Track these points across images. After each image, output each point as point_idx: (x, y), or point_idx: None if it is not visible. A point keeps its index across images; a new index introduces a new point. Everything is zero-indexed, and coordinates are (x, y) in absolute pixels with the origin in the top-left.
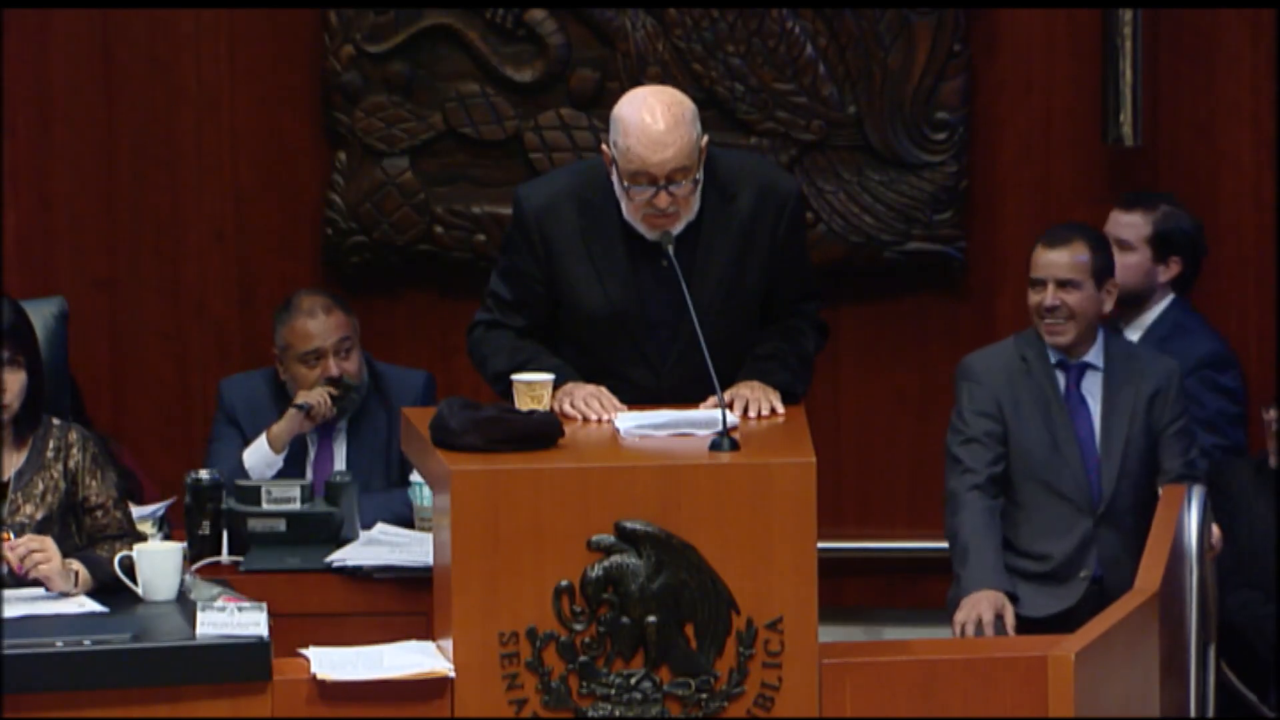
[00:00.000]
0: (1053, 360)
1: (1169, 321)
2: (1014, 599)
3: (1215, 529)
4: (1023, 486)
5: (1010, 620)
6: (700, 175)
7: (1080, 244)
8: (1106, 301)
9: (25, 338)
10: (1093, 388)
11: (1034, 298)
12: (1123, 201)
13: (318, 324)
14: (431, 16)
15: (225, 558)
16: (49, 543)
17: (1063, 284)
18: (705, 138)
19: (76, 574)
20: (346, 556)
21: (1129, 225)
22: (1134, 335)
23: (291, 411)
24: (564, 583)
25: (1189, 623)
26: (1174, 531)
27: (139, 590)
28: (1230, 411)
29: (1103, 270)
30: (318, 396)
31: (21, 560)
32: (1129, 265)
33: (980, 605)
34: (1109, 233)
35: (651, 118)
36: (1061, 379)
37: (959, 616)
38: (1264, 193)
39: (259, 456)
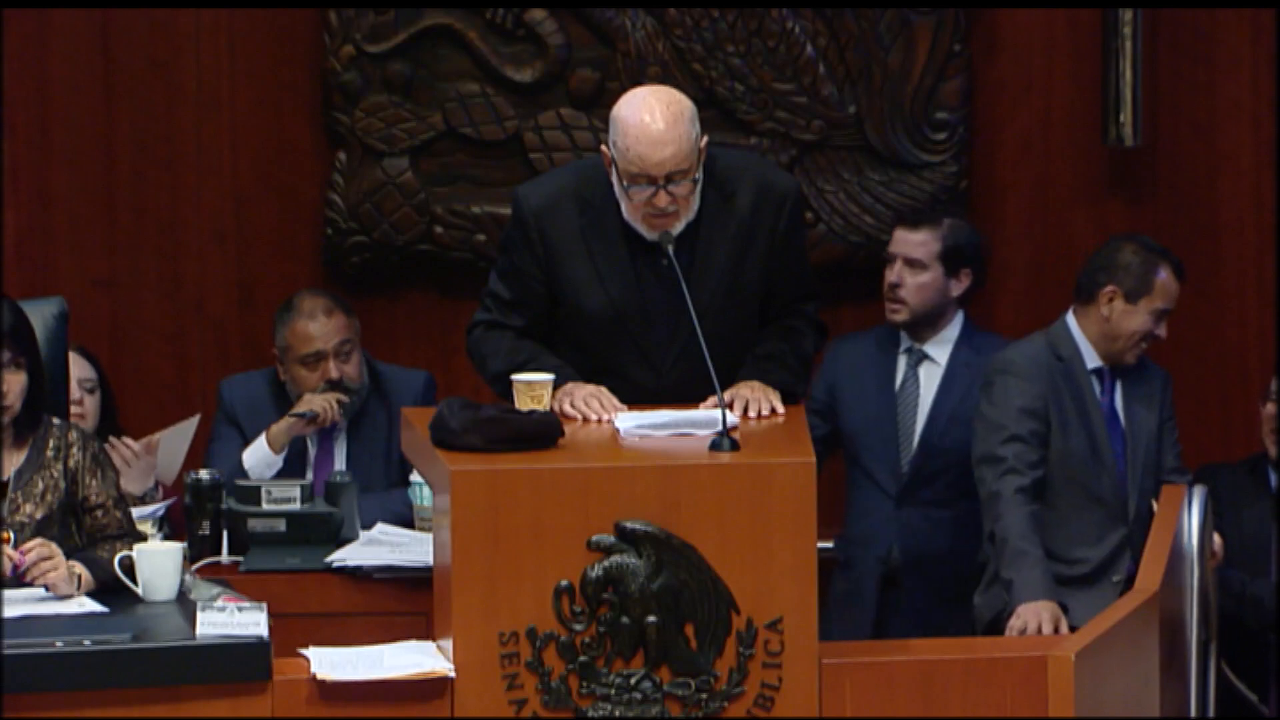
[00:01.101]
0: (1089, 366)
1: (974, 341)
2: (1064, 609)
3: (1217, 538)
4: (1062, 491)
5: (1066, 632)
6: (700, 175)
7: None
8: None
9: (25, 339)
10: (1118, 394)
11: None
12: (907, 220)
13: (318, 326)
14: (431, 16)
15: (225, 558)
16: (56, 550)
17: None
18: (705, 138)
19: (80, 576)
20: (346, 556)
21: (919, 244)
22: (935, 351)
23: (292, 420)
24: (564, 583)
25: (1189, 623)
26: (1174, 531)
27: (139, 590)
28: None
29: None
30: (322, 404)
31: (29, 568)
32: (925, 284)
33: (1041, 616)
34: (898, 253)
35: (650, 117)
36: (1097, 385)
37: (1016, 624)
38: (1264, 193)
39: (258, 457)
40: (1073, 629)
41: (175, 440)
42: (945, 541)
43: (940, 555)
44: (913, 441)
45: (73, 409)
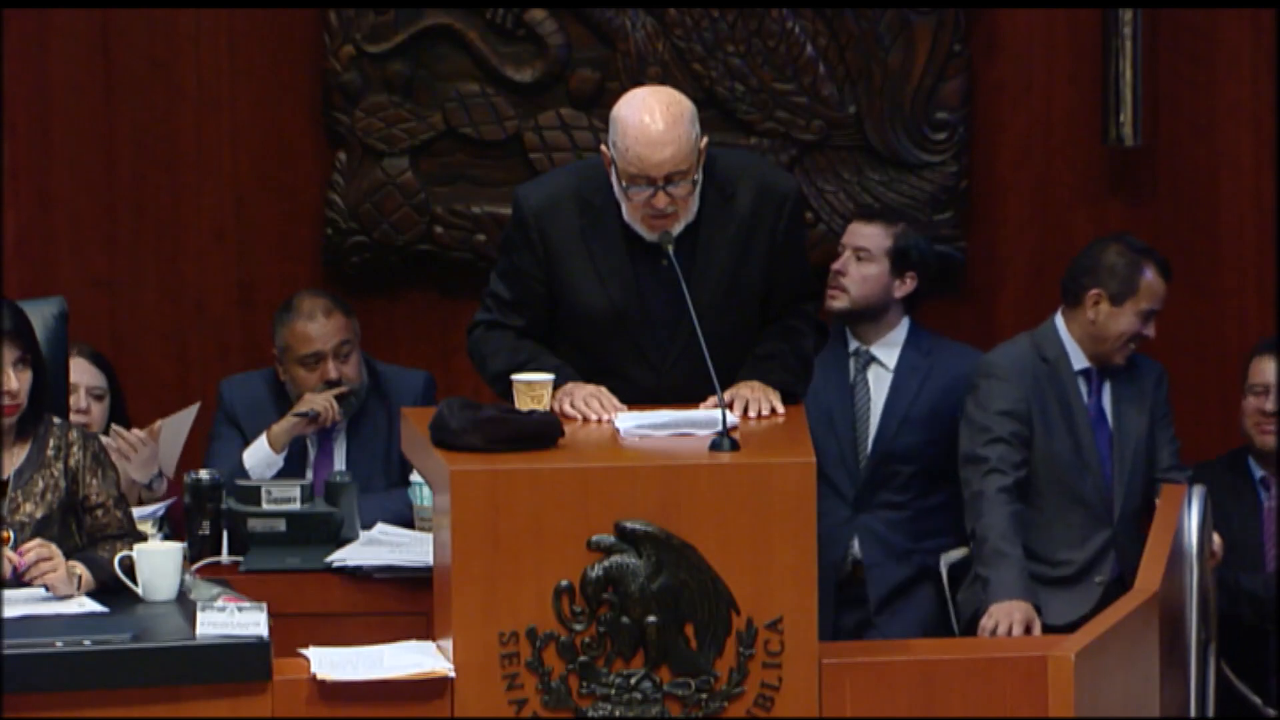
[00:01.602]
0: (1076, 367)
1: (922, 345)
2: (1038, 610)
3: (1217, 537)
4: (1046, 493)
5: (1038, 632)
6: (699, 176)
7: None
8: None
9: (28, 337)
10: (1106, 395)
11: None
12: (862, 214)
13: (317, 327)
14: (431, 16)
15: (225, 558)
16: (56, 550)
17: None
18: (705, 139)
19: (80, 577)
20: (346, 556)
21: (869, 235)
22: (883, 354)
23: (294, 419)
24: (564, 583)
25: (1189, 623)
26: (1174, 531)
27: (139, 590)
28: None
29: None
30: (323, 403)
31: (29, 569)
32: (869, 276)
33: (1013, 615)
34: (848, 244)
35: (650, 118)
36: (1084, 386)
37: (987, 624)
38: (1264, 193)
39: (259, 456)
40: (1047, 629)
41: (176, 427)
42: (903, 542)
43: (899, 555)
44: (866, 446)
45: (78, 417)
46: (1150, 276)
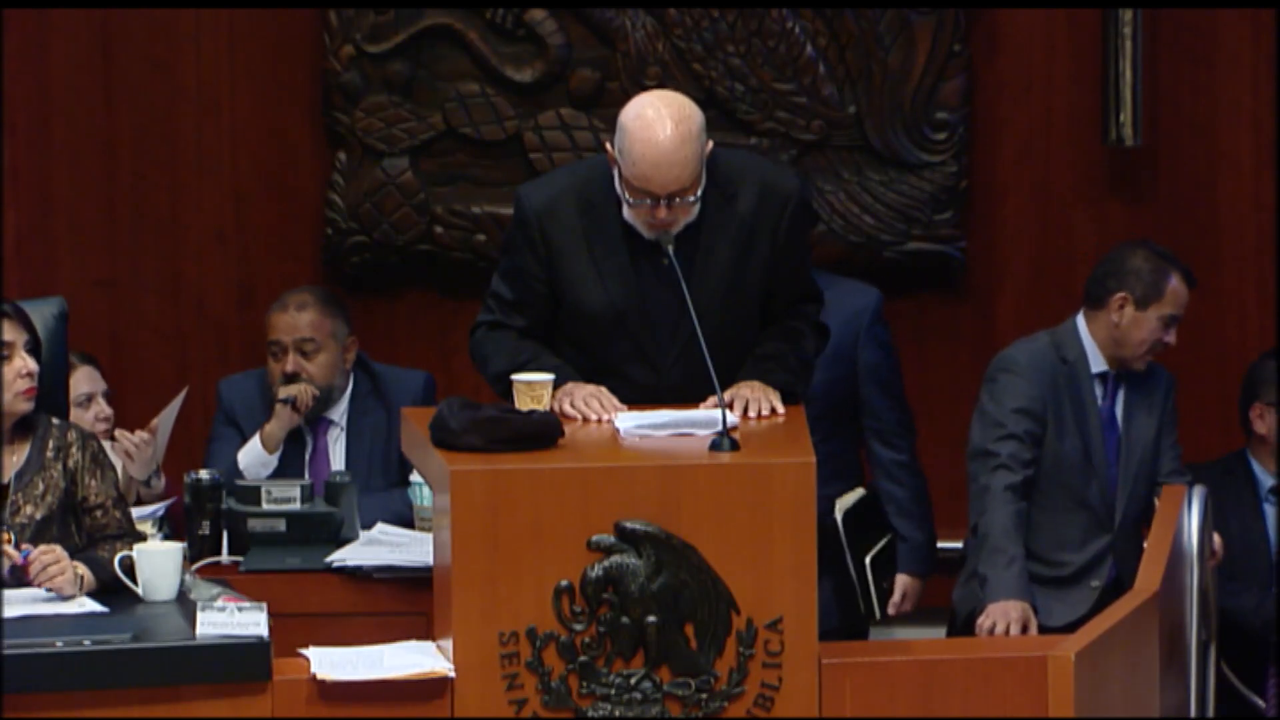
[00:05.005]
0: (1094, 370)
1: (819, 280)
2: (1035, 610)
3: (1217, 537)
4: (1050, 493)
5: (1034, 633)
6: (700, 190)
7: None
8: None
9: (33, 332)
10: (1119, 400)
11: None
12: None
13: (285, 318)
14: (431, 16)
15: (225, 558)
16: (63, 554)
17: None
18: (710, 144)
19: (81, 577)
20: (346, 556)
21: None
22: None
23: (278, 408)
24: (564, 583)
25: (1189, 623)
26: (1174, 531)
27: (139, 590)
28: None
29: None
30: (297, 389)
31: (38, 574)
32: None
33: (1010, 615)
34: None
35: (660, 135)
36: (1099, 390)
37: (984, 623)
38: (1264, 193)
39: (253, 456)
40: (1042, 630)
41: (168, 419)
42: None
43: None
44: None
45: (102, 425)
46: (1175, 282)
